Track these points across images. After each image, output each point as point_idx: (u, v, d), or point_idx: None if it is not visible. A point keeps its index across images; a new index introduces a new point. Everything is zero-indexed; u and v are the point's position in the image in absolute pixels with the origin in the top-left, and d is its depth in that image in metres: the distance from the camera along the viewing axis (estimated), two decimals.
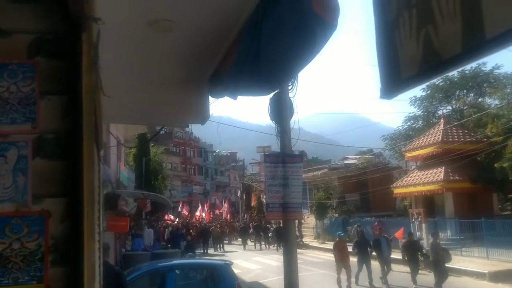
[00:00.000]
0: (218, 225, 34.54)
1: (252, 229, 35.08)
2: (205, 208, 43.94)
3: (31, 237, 1.75)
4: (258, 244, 32.64)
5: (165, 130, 38.62)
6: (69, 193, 1.78)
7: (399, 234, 19.35)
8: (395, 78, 1.34)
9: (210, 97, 4.52)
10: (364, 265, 15.43)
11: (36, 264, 1.74)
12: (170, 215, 39.44)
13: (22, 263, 1.73)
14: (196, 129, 67.63)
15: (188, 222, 36.90)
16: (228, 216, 45.43)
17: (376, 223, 24.61)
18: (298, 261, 7.47)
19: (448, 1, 1.11)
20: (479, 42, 1.02)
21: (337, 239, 16.30)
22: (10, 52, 1.81)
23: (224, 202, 49.73)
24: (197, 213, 43.96)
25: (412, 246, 15.35)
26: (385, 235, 17.83)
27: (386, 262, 15.94)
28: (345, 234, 17.55)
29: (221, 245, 32.03)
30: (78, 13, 1.73)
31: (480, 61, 30.88)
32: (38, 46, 1.84)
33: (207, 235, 30.42)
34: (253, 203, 46.63)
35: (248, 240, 33.98)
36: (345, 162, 42.11)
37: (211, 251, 30.23)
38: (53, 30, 1.85)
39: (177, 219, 38.94)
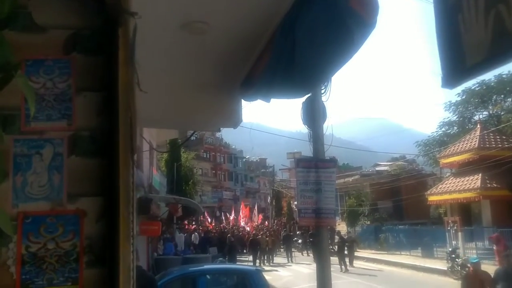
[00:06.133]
0: (266, 234, 28.90)
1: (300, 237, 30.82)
2: (243, 215, 40.47)
3: (66, 237, 1.69)
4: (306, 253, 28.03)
5: (195, 135, 38.79)
6: (104, 192, 1.73)
7: None
8: (459, 66, 1.23)
9: (242, 101, 4.45)
10: None
11: (71, 265, 1.68)
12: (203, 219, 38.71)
13: (56, 263, 1.68)
14: (226, 135, 68.20)
15: (222, 230, 34.62)
16: (267, 223, 42.82)
17: (494, 235, 19.40)
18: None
19: None
20: None
21: (471, 269, 9.71)
22: (46, 48, 1.78)
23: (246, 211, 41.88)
24: (232, 217, 41.84)
25: None
26: None
27: None
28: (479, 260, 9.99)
29: (271, 257, 26.80)
30: (115, 8, 1.69)
31: None
32: (74, 41, 1.80)
33: (256, 246, 25.52)
34: (283, 209, 45.70)
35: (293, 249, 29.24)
36: (377, 168, 41.52)
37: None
38: (89, 25, 1.81)
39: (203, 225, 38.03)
